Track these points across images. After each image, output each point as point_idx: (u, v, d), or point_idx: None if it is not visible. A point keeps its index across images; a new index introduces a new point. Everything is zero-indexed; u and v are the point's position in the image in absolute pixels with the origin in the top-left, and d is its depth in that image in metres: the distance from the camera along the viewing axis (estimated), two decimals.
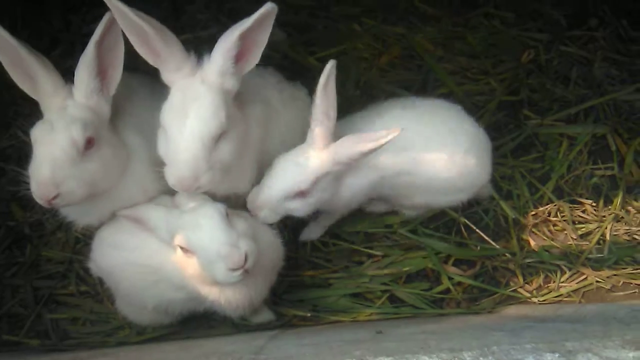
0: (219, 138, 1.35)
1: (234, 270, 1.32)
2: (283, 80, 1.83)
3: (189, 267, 1.39)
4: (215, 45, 1.38)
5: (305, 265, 2.01)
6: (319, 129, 1.53)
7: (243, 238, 1.35)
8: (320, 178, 1.56)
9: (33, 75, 1.43)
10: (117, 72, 1.46)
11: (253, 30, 1.35)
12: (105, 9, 1.37)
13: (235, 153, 1.41)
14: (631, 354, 0.76)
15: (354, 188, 1.71)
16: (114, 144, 1.47)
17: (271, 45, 2.40)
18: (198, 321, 1.82)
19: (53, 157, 1.32)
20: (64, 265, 1.92)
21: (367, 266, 2.01)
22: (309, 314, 1.91)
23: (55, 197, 1.33)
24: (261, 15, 1.32)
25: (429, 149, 1.70)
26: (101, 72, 1.46)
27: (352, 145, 1.52)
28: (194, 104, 1.31)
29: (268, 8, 1.31)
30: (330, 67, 1.48)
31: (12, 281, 1.90)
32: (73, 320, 1.86)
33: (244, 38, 1.35)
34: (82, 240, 1.96)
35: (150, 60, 1.39)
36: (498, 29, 2.58)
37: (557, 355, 0.79)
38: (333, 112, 1.54)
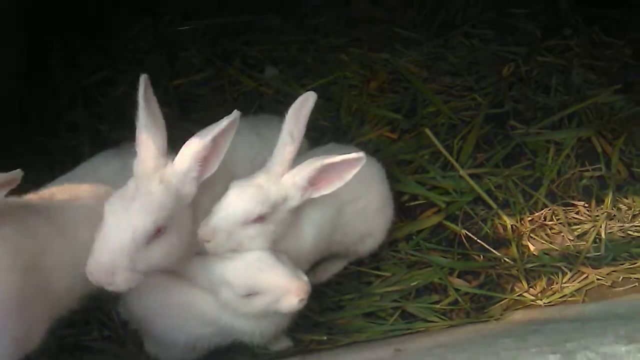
0: (151, 240, 1.32)
1: (302, 299, 1.44)
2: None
3: (245, 306, 1.46)
4: (182, 149, 1.38)
5: (317, 289, 2.07)
6: (282, 150, 1.50)
7: (295, 269, 1.47)
8: (279, 203, 1.50)
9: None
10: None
11: (222, 135, 1.37)
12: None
13: (167, 258, 1.38)
14: (623, 348, 0.84)
15: (315, 221, 1.67)
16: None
17: (264, 82, 2.57)
18: (219, 355, 1.88)
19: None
20: (85, 313, 1.98)
21: (376, 286, 2.08)
22: (325, 338, 1.96)
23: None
24: (231, 122, 1.37)
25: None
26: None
27: (312, 164, 1.48)
28: (141, 198, 1.32)
29: (236, 115, 1.37)
30: (309, 96, 1.52)
31: None
32: None
33: (214, 142, 1.37)
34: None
35: (136, 144, 1.40)
36: (477, 46, 2.72)
37: (558, 356, 0.87)
38: (298, 135, 1.51)
